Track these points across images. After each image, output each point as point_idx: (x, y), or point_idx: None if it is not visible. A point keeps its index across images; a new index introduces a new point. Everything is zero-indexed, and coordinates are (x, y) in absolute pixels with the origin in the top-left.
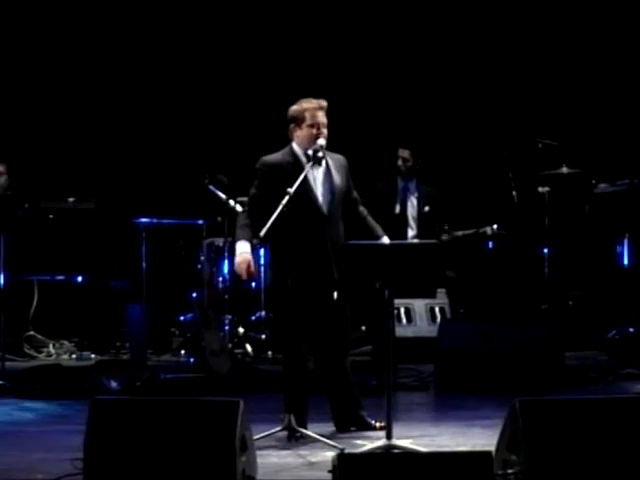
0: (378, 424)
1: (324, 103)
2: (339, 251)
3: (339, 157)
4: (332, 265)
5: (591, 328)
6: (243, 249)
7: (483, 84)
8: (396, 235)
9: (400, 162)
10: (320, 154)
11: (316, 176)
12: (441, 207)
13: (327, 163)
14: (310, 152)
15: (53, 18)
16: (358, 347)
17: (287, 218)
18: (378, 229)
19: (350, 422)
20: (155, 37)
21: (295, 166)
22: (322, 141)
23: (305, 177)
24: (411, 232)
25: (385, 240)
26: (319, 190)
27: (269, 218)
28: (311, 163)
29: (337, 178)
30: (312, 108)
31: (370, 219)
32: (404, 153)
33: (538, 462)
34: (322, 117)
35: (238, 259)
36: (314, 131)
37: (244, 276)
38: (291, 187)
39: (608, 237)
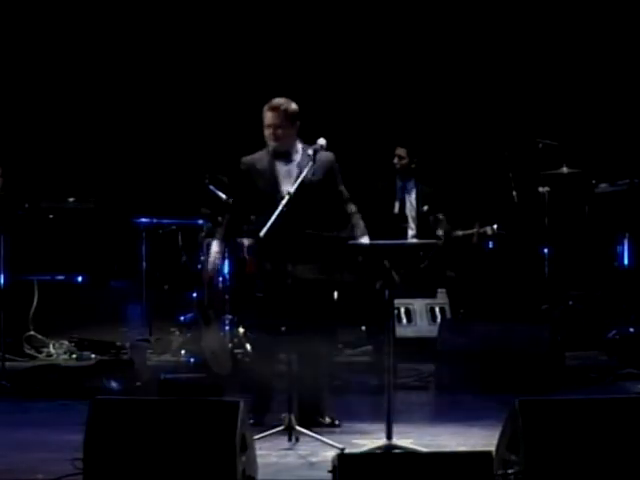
0: (328, 419)
1: (274, 103)
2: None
3: (325, 153)
4: (288, 259)
5: (591, 328)
6: (214, 248)
7: (483, 84)
8: (396, 234)
9: (396, 160)
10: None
11: (283, 171)
12: (440, 206)
13: (300, 158)
14: (310, 152)
15: (52, 18)
16: (358, 347)
17: (253, 213)
18: (358, 229)
19: (310, 423)
20: (155, 37)
21: (269, 164)
22: (322, 140)
23: (275, 173)
24: (411, 232)
25: (364, 241)
26: (285, 185)
27: (246, 216)
28: (308, 162)
29: (309, 173)
30: (265, 110)
31: (356, 217)
32: (400, 151)
33: (538, 462)
34: (271, 118)
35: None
36: (266, 132)
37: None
38: (280, 186)
39: (608, 237)
